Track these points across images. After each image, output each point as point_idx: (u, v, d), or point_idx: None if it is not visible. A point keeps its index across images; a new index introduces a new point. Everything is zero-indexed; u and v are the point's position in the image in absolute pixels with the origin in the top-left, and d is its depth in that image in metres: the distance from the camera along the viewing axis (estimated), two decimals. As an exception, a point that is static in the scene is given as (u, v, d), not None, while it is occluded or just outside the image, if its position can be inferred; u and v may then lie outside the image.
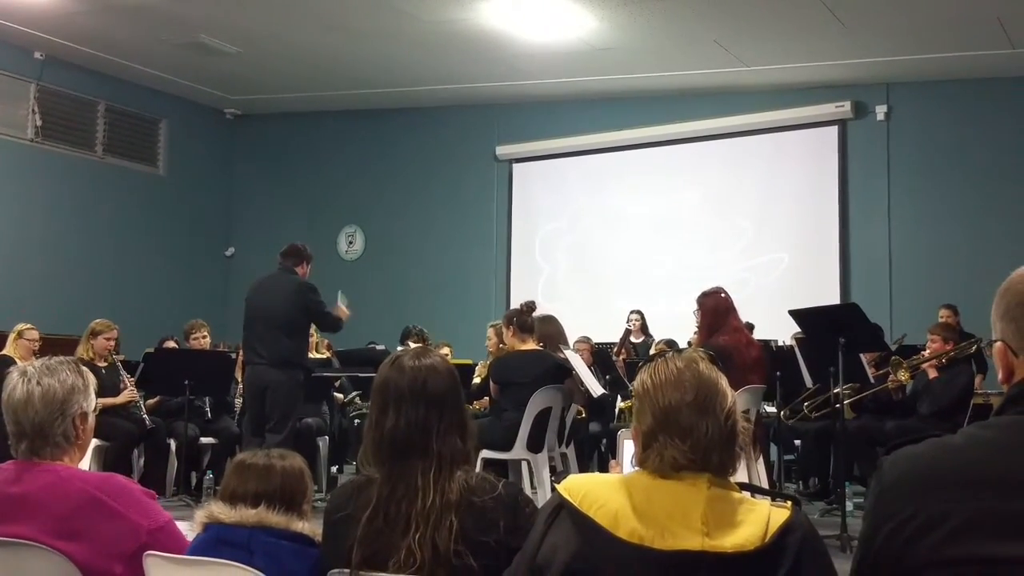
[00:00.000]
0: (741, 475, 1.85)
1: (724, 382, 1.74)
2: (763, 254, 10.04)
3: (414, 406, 2.10)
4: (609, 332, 8.91)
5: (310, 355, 8.13)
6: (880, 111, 9.68)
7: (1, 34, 9.70)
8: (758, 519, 1.60)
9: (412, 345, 7.99)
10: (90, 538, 2.09)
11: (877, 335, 5.82)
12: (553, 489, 1.76)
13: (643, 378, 1.75)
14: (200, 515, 2.21)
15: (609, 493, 1.66)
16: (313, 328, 7.71)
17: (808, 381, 6.39)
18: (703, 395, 1.69)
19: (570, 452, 6.55)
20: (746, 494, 1.69)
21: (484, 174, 11.42)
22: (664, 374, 1.72)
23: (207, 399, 7.40)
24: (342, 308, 6.67)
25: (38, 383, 2.20)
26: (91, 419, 2.29)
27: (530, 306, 6.25)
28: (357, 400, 8.48)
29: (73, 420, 2.23)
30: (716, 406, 1.69)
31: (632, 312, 8.96)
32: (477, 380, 7.12)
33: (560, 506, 1.70)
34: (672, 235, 10.47)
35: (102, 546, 2.09)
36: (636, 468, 1.74)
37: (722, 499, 1.63)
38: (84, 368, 2.31)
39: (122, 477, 2.26)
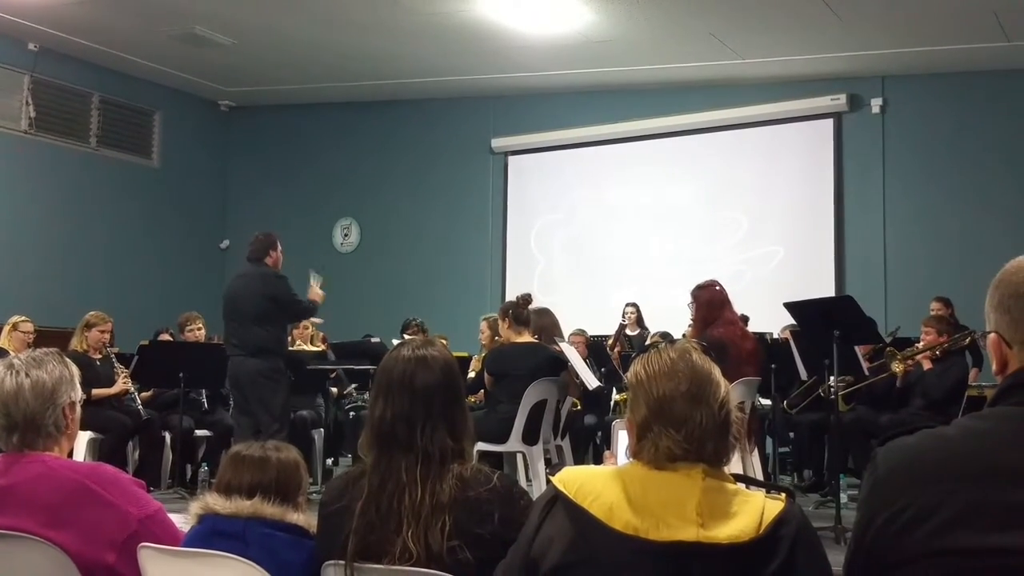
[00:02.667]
0: (736, 467, 1.85)
1: (717, 372, 1.74)
2: (758, 247, 10.05)
3: (400, 397, 2.10)
4: (604, 325, 8.91)
5: (305, 347, 8.15)
6: (875, 104, 9.68)
7: (-5, 25, 9.67)
8: (752, 511, 1.60)
9: (408, 337, 7.99)
10: (80, 527, 2.09)
11: (872, 327, 5.83)
12: (548, 482, 1.76)
13: (636, 369, 1.76)
14: (195, 507, 2.22)
15: (604, 485, 1.66)
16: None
17: (803, 373, 6.40)
18: (697, 385, 1.69)
19: (565, 444, 6.55)
20: (741, 486, 1.69)
21: (480, 167, 11.41)
22: (657, 365, 1.72)
23: (202, 391, 7.40)
24: (315, 290, 6.71)
25: (27, 375, 2.21)
26: (78, 409, 2.31)
27: (526, 299, 6.25)
28: (353, 392, 8.49)
29: (63, 410, 2.25)
30: (710, 396, 1.69)
31: (628, 305, 8.97)
32: (472, 374, 7.12)
33: (555, 498, 1.70)
34: (667, 228, 10.47)
35: (93, 535, 2.09)
36: (631, 459, 1.74)
37: (717, 490, 1.64)
38: (68, 359, 2.33)
39: (111, 467, 2.27)
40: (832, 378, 5.58)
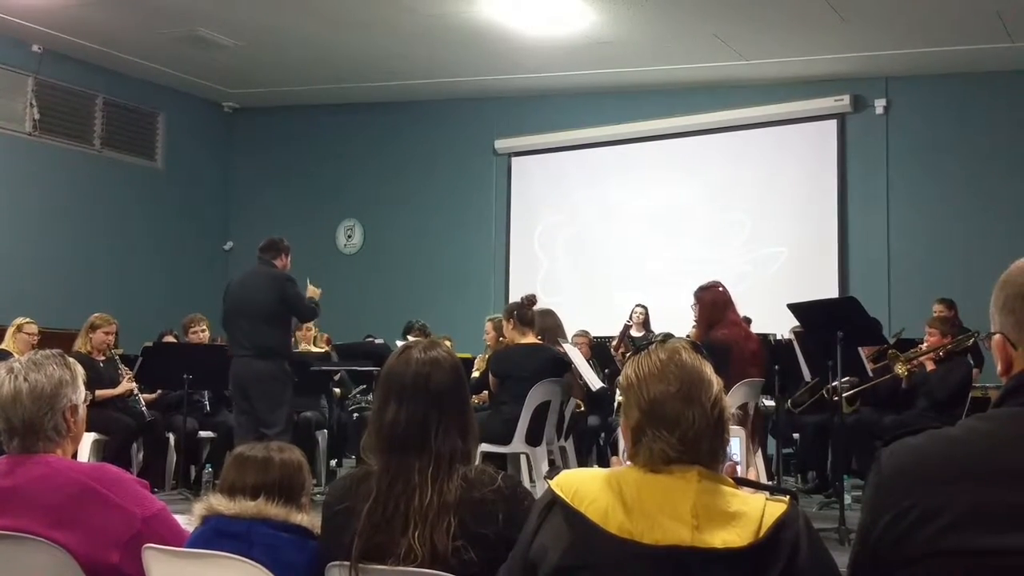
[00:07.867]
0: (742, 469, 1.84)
1: (709, 370, 1.72)
2: (762, 248, 10.05)
3: (414, 401, 2.08)
4: (608, 326, 8.91)
5: (309, 349, 8.15)
6: (879, 105, 9.68)
7: (-1, 27, 9.69)
8: (752, 514, 1.58)
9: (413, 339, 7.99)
10: (85, 527, 2.09)
11: (876, 329, 5.82)
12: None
13: (627, 372, 1.74)
14: (199, 507, 2.21)
15: (600, 488, 1.65)
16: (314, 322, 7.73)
17: (807, 375, 6.39)
18: (688, 385, 1.68)
19: (569, 446, 6.55)
20: (746, 489, 1.68)
21: (483, 168, 11.41)
22: (647, 367, 1.71)
23: (206, 393, 7.40)
24: (312, 288, 6.74)
25: (25, 379, 2.19)
26: (82, 411, 2.29)
27: (531, 300, 6.25)
28: (357, 395, 8.49)
29: (63, 413, 2.22)
30: (702, 395, 1.67)
31: (637, 306, 8.91)
32: (476, 374, 7.12)
33: (552, 502, 1.69)
34: (671, 229, 10.46)
35: (97, 535, 2.09)
36: (627, 463, 1.74)
37: (713, 492, 1.62)
38: (71, 360, 2.30)
39: (114, 467, 2.26)
40: (836, 380, 5.57)
